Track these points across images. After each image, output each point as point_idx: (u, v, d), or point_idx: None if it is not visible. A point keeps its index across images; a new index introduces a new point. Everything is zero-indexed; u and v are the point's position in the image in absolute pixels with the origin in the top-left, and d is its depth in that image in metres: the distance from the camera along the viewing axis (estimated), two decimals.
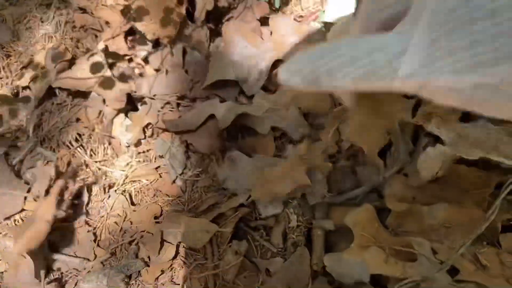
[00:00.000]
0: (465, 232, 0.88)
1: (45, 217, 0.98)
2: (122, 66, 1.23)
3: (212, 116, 1.08)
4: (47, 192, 1.05)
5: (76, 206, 1.05)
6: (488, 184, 0.92)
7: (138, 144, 1.15)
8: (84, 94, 1.18)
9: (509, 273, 0.87)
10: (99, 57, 1.16)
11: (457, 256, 0.85)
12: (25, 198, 1.06)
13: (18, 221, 1.06)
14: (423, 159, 0.94)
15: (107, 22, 1.29)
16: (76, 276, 0.98)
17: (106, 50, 1.21)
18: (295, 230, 0.93)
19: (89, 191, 1.07)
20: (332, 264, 0.90)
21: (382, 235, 0.90)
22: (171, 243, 0.96)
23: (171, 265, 0.96)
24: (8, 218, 1.05)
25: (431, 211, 0.92)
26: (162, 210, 1.04)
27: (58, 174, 1.07)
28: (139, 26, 1.18)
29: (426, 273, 0.82)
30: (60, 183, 1.03)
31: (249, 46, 1.13)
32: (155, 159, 1.13)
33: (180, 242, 0.97)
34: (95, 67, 1.16)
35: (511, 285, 0.85)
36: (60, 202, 1.01)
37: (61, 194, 1.02)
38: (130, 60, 1.26)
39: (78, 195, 1.06)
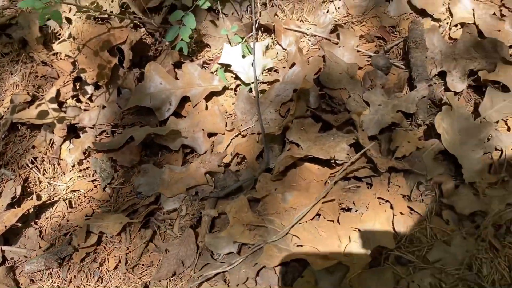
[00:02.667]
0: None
1: (5, 223, 1.29)
2: (70, 104, 1.58)
3: (132, 138, 1.41)
4: (10, 206, 1.37)
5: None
6: (325, 175, 1.23)
7: (80, 163, 1.48)
8: (38, 127, 1.52)
9: (342, 240, 1.16)
10: (46, 106, 1.50)
11: (298, 227, 1.15)
12: None
13: None
14: (276, 161, 1.26)
15: (62, 72, 1.65)
16: (25, 262, 1.28)
17: (57, 94, 1.56)
18: (184, 217, 1.24)
19: (39, 199, 1.39)
20: (211, 241, 1.19)
21: (248, 216, 1.21)
22: (94, 233, 1.26)
23: (94, 249, 1.26)
24: None
25: (284, 197, 1.22)
26: (93, 211, 1.35)
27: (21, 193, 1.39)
28: (81, 73, 1.54)
29: (271, 239, 1.12)
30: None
31: (163, 83, 1.48)
32: (93, 173, 1.46)
33: (101, 232, 1.27)
34: (41, 114, 1.49)
35: (340, 248, 1.14)
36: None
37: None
38: (78, 100, 1.61)
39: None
